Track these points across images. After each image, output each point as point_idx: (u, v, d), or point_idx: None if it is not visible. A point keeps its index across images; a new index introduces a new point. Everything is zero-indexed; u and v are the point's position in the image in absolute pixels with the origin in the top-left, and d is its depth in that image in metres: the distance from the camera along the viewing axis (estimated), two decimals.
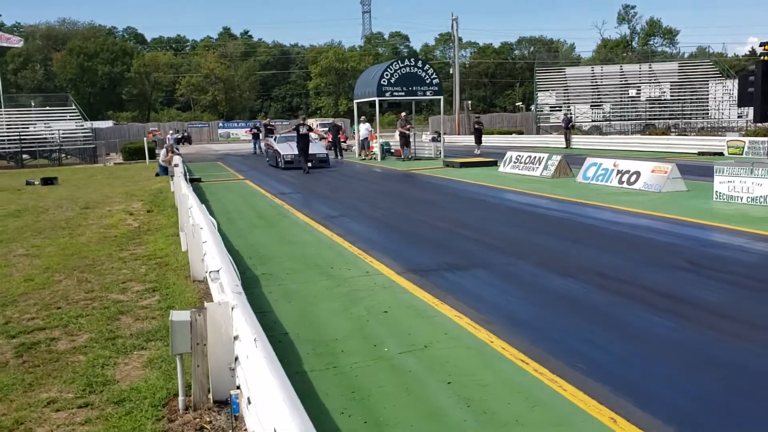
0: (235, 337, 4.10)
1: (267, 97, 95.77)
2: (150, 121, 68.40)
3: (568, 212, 12.23)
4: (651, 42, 79.51)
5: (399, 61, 27.19)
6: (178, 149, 24.80)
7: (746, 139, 23.42)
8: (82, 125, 37.56)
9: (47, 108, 38.64)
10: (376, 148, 27.89)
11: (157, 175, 23.38)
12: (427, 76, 27.11)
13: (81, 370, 5.07)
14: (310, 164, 22.70)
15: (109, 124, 57.46)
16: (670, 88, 45.03)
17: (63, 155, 35.65)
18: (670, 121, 43.08)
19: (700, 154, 24.24)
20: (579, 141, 32.99)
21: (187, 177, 16.36)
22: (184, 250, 7.92)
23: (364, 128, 27.49)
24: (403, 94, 27.06)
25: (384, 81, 26.46)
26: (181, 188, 11.03)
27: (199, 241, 7.64)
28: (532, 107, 62.92)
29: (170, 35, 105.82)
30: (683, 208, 11.79)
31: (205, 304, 4.19)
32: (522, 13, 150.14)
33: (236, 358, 4.12)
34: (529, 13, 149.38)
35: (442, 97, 28.22)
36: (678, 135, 34.40)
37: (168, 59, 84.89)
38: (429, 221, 11.81)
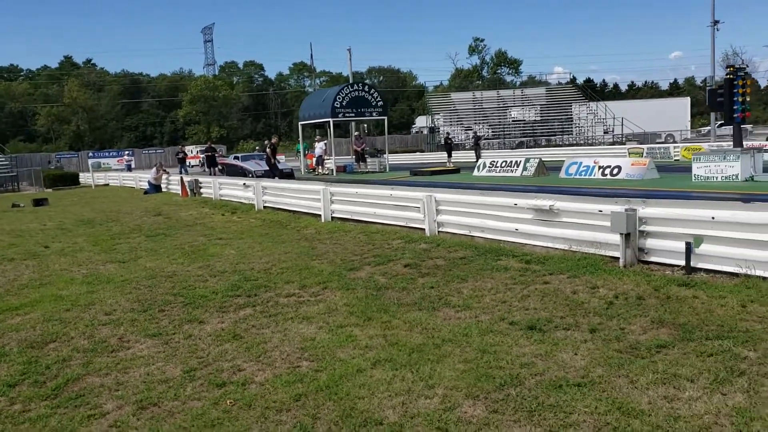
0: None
1: (120, 127, 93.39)
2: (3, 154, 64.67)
3: (597, 191, 15.83)
4: (499, 71, 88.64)
5: (349, 86, 30.15)
6: (166, 170, 25.86)
7: (644, 146, 29.29)
8: None
9: None
10: (329, 164, 30.57)
11: (145, 193, 24.30)
12: (373, 99, 30.33)
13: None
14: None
15: None
16: (541, 110, 51.93)
17: None
18: (541, 138, 49.72)
19: None
20: (487, 155, 37.68)
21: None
22: (421, 217, 10.55)
23: (319, 147, 30.01)
24: (353, 115, 30.05)
25: (337, 104, 29.27)
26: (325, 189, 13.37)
27: (434, 209, 10.48)
28: (413, 129, 68.23)
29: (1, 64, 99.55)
30: (677, 185, 15.95)
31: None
32: (375, 43, 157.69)
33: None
34: (381, 45, 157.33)
35: (386, 118, 31.53)
36: (570, 147, 40.42)
37: (24, 89, 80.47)
38: None
